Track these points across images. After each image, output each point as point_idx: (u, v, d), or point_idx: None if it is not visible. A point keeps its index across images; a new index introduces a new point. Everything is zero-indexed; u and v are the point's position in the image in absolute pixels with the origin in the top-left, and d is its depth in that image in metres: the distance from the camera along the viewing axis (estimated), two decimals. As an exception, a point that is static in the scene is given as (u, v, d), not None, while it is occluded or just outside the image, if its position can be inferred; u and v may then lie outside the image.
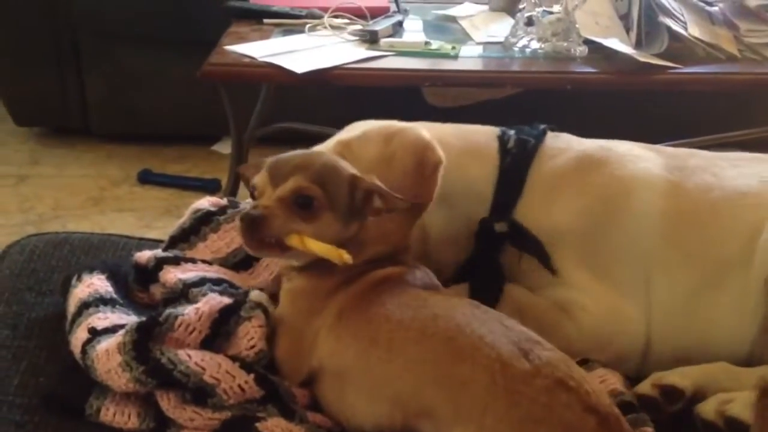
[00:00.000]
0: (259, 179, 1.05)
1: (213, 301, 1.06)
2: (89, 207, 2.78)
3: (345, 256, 1.01)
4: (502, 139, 1.25)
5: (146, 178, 2.91)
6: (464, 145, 1.22)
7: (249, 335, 1.04)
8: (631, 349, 1.17)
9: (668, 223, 1.18)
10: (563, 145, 1.25)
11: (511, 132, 1.26)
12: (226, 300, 1.07)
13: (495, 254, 1.21)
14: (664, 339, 1.18)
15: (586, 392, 0.91)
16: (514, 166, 1.21)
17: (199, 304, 1.06)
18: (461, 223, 1.20)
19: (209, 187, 2.75)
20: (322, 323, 1.04)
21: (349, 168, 1.07)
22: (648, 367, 1.17)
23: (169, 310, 1.05)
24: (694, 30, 2.17)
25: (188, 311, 1.04)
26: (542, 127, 1.28)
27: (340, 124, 2.69)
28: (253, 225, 1.01)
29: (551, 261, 1.18)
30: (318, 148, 1.22)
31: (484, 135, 1.26)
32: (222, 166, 2.75)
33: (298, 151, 1.10)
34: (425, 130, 1.18)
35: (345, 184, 1.05)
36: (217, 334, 1.05)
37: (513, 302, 1.17)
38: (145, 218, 2.69)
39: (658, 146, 1.31)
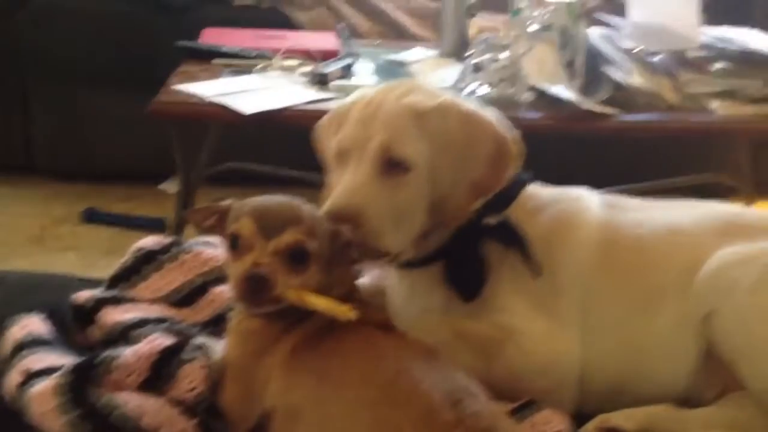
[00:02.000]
0: (246, 230, 1.02)
1: (153, 342, 1.04)
2: (31, 246, 2.72)
3: (350, 313, 1.00)
4: None
5: (91, 217, 2.86)
6: None
7: (190, 377, 1.02)
8: (567, 376, 1.18)
9: (602, 252, 1.22)
10: (534, 191, 1.29)
11: None
12: (167, 341, 1.05)
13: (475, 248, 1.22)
14: (599, 366, 1.19)
15: None
16: (513, 185, 1.25)
17: (138, 345, 1.04)
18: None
19: (155, 226, 2.71)
20: (274, 361, 1.02)
21: (324, 218, 1.07)
22: (586, 398, 1.18)
23: (106, 352, 1.02)
24: (635, 79, 2.23)
25: (127, 352, 1.02)
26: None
27: (292, 164, 2.71)
28: (259, 285, 0.99)
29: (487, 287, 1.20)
30: (368, 95, 1.21)
31: None
32: (169, 206, 2.72)
33: (276, 198, 1.07)
34: (493, 116, 1.22)
35: (327, 236, 1.05)
36: (158, 376, 1.02)
37: (454, 329, 1.17)
38: (89, 257, 2.64)
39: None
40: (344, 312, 1.00)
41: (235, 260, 1.02)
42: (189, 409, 1.00)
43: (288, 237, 1.01)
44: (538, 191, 1.29)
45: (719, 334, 1.17)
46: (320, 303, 1.01)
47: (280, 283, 1.00)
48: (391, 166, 1.14)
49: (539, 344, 1.17)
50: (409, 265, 1.22)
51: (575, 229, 1.23)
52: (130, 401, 0.98)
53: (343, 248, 1.07)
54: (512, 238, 1.20)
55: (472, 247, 1.20)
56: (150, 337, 1.06)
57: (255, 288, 0.99)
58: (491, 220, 1.21)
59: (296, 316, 1.04)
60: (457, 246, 1.21)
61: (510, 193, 1.24)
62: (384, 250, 1.14)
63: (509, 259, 1.20)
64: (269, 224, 1.02)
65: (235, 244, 1.03)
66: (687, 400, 1.19)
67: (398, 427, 0.92)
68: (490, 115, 1.22)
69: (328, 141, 1.24)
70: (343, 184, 1.14)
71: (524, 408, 1.12)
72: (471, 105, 1.23)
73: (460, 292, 1.20)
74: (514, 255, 1.20)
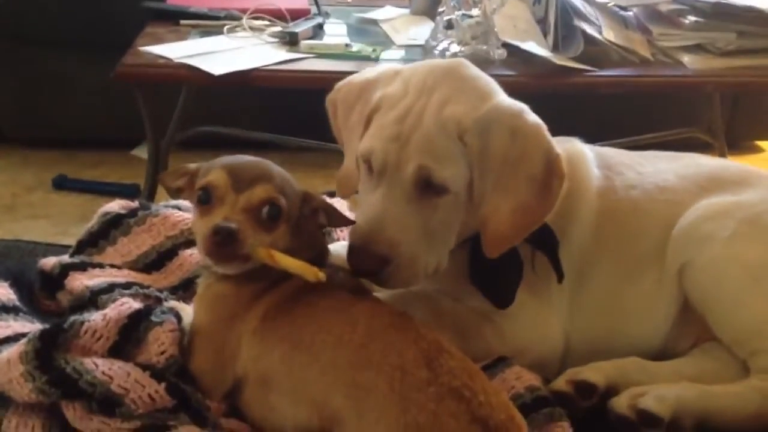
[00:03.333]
0: (218, 181, 1.00)
1: (122, 306, 1.03)
2: (2, 214, 2.68)
3: (320, 274, 0.98)
4: None
5: (62, 184, 2.83)
6: None
7: (159, 341, 1.01)
8: (550, 355, 1.18)
9: (599, 221, 1.21)
10: None
11: None
12: (136, 305, 1.04)
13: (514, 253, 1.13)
14: (583, 335, 1.20)
15: (479, 403, 0.91)
16: None
17: (106, 310, 1.03)
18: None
19: (127, 192, 2.68)
20: (246, 328, 1.01)
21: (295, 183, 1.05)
22: (566, 364, 1.18)
23: (74, 317, 1.01)
24: (608, 34, 2.22)
25: (95, 317, 1.01)
26: None
27: (263, 128, 2.67)
28: (228, 239, 0.96)
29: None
30: (403, 101, 1.09)
31: None
32: (139, 171, 2.68)
33: (247, 157, 1.05)
34: (547, 131, 1.10)
35: (298, 197, 1.04)
36: (127, 340, 1.01)
37: (432, 306, 1.16)
38: (61, 225, 2.61)
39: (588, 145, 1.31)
40: (314, 273, 0.99)
41: (204, 216, 1.00)
42: (159, 372, 0.99)
43: (260, 192, 0.99)
44: None
45: (693, 284, 1.18)
46: (290, 263, 0.99)
47: (249, 240, 0.98)
48: (427, 188, 1.07)
49: (523, 329, 1.16)
50: None
51: (579, 204, 1.19)
52: (99, 366, 0.97)
53: (312, 212, 1.06)
54: (547, 243, 1.14)
55: (509, 251, 1.11)
56: (118, 302, 1.05)
57: (224, 242, 0.97)
58: None
59: (267, 281, 1.03)
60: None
61: None
62: (417, 277, 1.09)
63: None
64: (241, 178, 1.00)
65: (204, 199, 1.00)
66: (662, 352, 1.21)
67: (373, 387, 0.92)
68: (538, 125, 1.10)
69: (347, 115, 1.16)
70: (375, 209, 1.07)
71: (496, 364, 1.12)
72: (519, 112, 1.10)
73: (492, 298, 1.14)
74: (540, 256, 1.14)
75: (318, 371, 0.96)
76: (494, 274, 1.13)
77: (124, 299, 1.05)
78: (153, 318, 1.02)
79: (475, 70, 1.15)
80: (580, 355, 1.19)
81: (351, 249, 1.08)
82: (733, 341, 1.17)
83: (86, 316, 1.01)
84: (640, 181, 1.24)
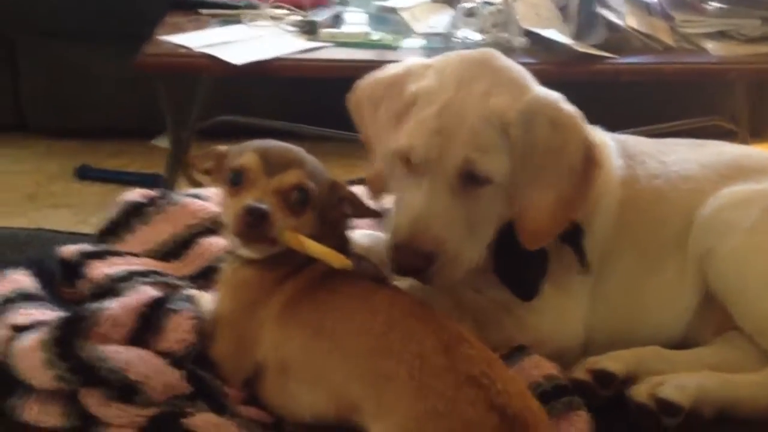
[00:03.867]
0: (251, 163, 1.00)
1: (141, 294, 1.04)
2: (25, 203, 2.71)
3: (346, 261, 0.99)
4: None
5: (85, 174, 2.85)
6: None
7: (178, 328, 1.01)
8: (571, 347, 1.17)
9: (622, 210, 1.20)
10: None
11: None
12: (155, 293, 1.04)
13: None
14: (604, 324, 1.19)
15: (497, 391, 0.91)
16: None
17: (125, 298, 1.03)
18: None
19: (149, 182, 2.69)
20: (267, 314, 1.02)
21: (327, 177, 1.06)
22: (586, 353, 1.17)
23: (94, 305, 1.02)
24: (631, 21, 2.20)
25: (114, 305, 1.01)
26: None
27: (283, 117, 2.68)
28: (259, 219, 0.97)
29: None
30: (440, 95, 1.07)
31: None
32: (159, 161, 2.71)
33: (278, 142, 1.05)
34: (583, 120, 1.11)
35: (326, 185, 1.04)
36: (146, 328, 1.02)
37: (453, 297, 1.15)
38: (82, 214, 2.64)
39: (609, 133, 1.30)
40: (340, 260, 0.99)
41: (235, 196, 1.01)
42: (177, 360, 1.00)
43: (291, 176, 1.00)
44: None
45: (715, 273, 1.17)
46: (317, 249, 1.00)
47: (279, 223, 0.98)
48: (470, 180, 1.06)
49: (544, 321, 1.15)
50: None
51: (601, 194, 1.17)
52: (119, 353, 0.98)
53: (339, 201, 1.06)
54: (573, 233, 1.12)
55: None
56: (137, 290, 1.06)
57: (255, 223, 0.97)
58: None
59: (290, 267, 1.03)
60: (510, 237, 1.10)
61: None
62: (462, 273, 1.09)
63: None
64: (273, 162, 1.01)
65: (236, 180, 1.01)
66: (684, 341, 1.20)
67: (394, 375, 0.92)
68: (576, 115, 1.11)
69: (373, 112, 1.15)
70: (418, 206, 1.06)
71: (514, 353, 1.12)
72: (556, 102, 1.11)
73: (516, 291, 1.13)
74: (566, 247, 1.13)
75: (339, 359, 0.96)
76: (519, 266, 1.12)
77: (143, 287, 1.06)
78: (171, 306, 1.03)
79: (505, 60, 1.15)
80: (600, 344, 1.17)
81: (396, 248, 1.07)
82: (755, 331, 1.15)
83: (106, 304, 1.02)
84: (663, 170, 1.23)
